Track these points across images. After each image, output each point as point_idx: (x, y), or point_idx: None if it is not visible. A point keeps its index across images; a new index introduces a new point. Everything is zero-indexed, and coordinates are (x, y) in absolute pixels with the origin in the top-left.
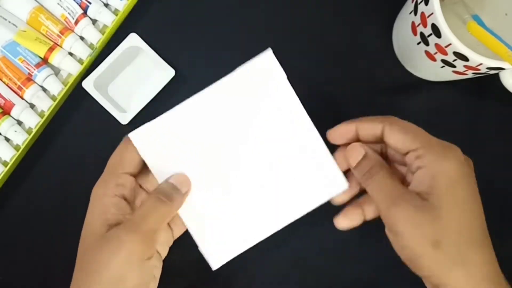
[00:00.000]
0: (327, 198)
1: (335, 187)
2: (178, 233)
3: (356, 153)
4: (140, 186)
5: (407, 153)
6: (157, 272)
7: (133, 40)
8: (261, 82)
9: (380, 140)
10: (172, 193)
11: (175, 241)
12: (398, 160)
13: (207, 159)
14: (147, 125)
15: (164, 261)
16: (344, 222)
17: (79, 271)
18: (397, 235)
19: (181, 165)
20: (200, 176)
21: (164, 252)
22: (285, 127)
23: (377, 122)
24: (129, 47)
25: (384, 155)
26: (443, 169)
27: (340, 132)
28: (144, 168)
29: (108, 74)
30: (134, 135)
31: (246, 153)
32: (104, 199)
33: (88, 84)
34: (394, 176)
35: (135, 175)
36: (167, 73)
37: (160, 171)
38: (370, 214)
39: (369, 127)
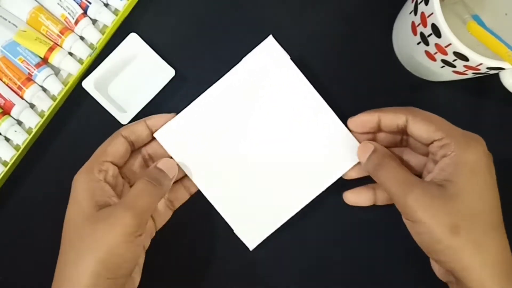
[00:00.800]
0: (347, 168)
1: (353, 156)
2: (160, 224)
3: (365, 148)
4: (123, 177)
5: (431, 143)
6: (143, 252)
7: (133, 40)
8: (268, 67)
9: (402, 131)
10: (160, 177)
11: (174, 241)
12: (419, 150)
13: (229, 147)
14: (169, 124)
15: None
16: (351, 197)
17: (68, 252)
18: (415, 222)
19: (206, 157)
20: (225, 164)
21: (147, 244)
22: (297, 104)
23: (400, 113)
24: (129, 47)
25: (404, 146)
26: (466, 158)
27: (362, 121)
28: (127, 161)
29: (108, 74)
30: (158, 134)
31: (265, 135)
32: (90, 183)
33: (88, 84)
34: (403, 166)
35: (119, 167)
36: (167, 73)
37: (187, 164)
38: (381, 199)
39: (392, 117)
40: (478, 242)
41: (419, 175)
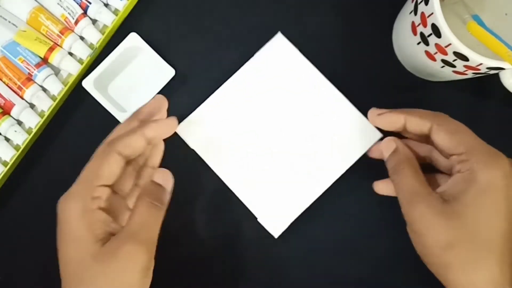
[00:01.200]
0: (365, 150)
1: (369, 138)
2: None
3: (388, 146)
4: (114, 191)
5: (451, 155)
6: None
7: (133, 39)
8: (279, 61)
9: (426, 137)
10: (161, 195)
11: (173, 239)
12: (445, 154)
13: (248, 137)
14: (189, 118)
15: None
16: (382, 186)
17: None
18: (413, 232)
19: (226, 148)
20: (245, 154)
21: None
22: (310, 93)
23: (426, 119)
24: (129, 47)
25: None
26: (479, 178)
27: (389, 120)
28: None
29: (108, 74)
30: (179, 129)
31: (283, 123)
32: (85, 215)
33: (88, 84)
34: (419, 174)
35: (111, 185)
36: (167, 72)
37: (208, 156)
38: None
39: (418, 122)
40: (470, 263)
41: (448, 173)
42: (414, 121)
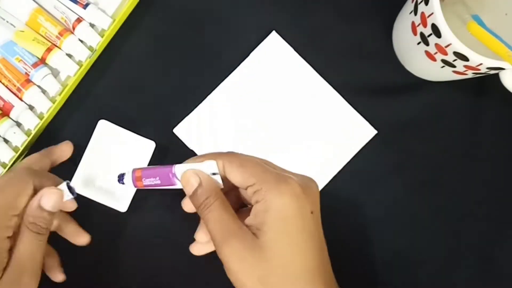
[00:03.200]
0: (360, 147)
1: (365, 134)
2: None
3: (190, 180)
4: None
5: (246, 188)
6: None
7: (103, 126)
8: (274, 60)
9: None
10: (46, 220)
11: (173, 239)
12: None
13: (245, 136)
14: (186, 119)
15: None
16: (199, 249)
17: None
18: (229, 271)
19: (224, 147)
20: (242, 153)
21: None
22: (305, 90)
23: (218, 161)
24: (101, 135)
25: None
26: (275, 205)
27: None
28: None
29: (91, 169)
30: (177, 130)
31: (279, 122)
32: None
33: (77, 184)
34: (228, 208)
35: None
36: (148, 146)
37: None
38: None
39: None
40: None
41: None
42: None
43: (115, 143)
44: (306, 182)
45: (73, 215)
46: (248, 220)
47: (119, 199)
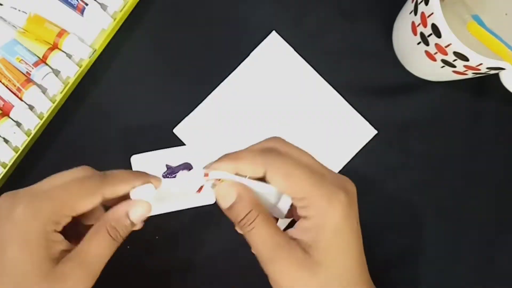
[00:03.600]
0: (360, 147)
1: (365, 134)
2: None
3: (227, 194)
4: None
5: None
6: None
7: (136, 161)
8: (274, 59)
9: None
10: (126, 230)
11: (174, 240)
12: None
13: (245, 137)
14: (186, 119)
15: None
16: None
17: None
18: (277, 287)
19: (224, 148)
20: None
21: None
22: (305, 91)
23: (259, 165)
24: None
25: None
26: (328, 224)
27: (220, 171)
28: None
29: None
30: (177, 130)
31: (280, 122)
32: (47, 235)
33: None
34: (272, 222)
35: None
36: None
37: (206, 156)
38: None
39: (249, 168)
40: None
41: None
42: (245, 168)
43: (157, 169)
44: (347, 188)
45: None
46: (295, 234)
47: (202, 194)
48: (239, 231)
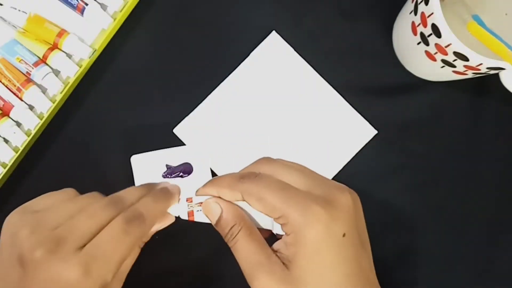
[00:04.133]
0: (360, 147)
1: (365, 134)
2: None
3: (212, 210)
4: None
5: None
6: None
7: (137, 161)
8: (274, 59)
9: None
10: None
11: (172, 242)
12: None
13: (245, 137)
14: (186, 119)
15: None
16: None
17: None
18: None
19: (224, 148)
20: (243, 153)
21: None
22: (305, 90)
23: (236, 191)
24: (140, 169)
25: None
26: (303, 238)
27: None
28: None
29: None
30: (177, 130)
31: (280, 122)
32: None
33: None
34: (255, 236)
35: None
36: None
37: (206, 157)
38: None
39: (228, 194)
40: None
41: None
42: (225, 193)
43: (157, 170)
44: (334, 199)
45: None
46: (280, 247)
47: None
48: (229, 245)
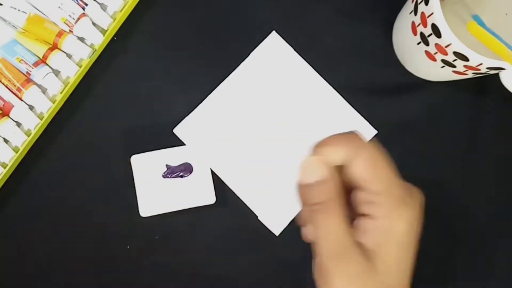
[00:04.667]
0: None
1: (365, 134)
2: None
3: (314, 169)
4: None
5: (361, 190)
6: None
7: (136, 161)
8: (274, 59)
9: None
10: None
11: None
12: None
13: (246, 136)
14: (186, 119)
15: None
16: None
17: None
18: (330, 287)
19: (225, 147)
20: (243, 153)
21: None
22: (305, 90)
23: (343, 147)
24: (140, 168)
25: None
26: (397, 230)
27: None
28: None
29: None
30: (177, 130)
31: (279, 122)
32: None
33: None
34: (346, 219)
35: None
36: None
37: (207, 156)
38: None
39: (332, 151)
40: None
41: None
42: (329, 150)
43: (157, 170)
44: (418, 197)
45: (73, 215)
46: (361, 238)
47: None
48: (307, 216)
